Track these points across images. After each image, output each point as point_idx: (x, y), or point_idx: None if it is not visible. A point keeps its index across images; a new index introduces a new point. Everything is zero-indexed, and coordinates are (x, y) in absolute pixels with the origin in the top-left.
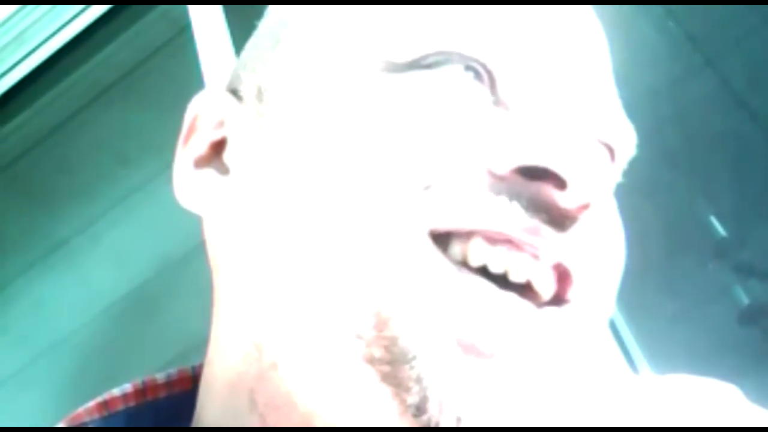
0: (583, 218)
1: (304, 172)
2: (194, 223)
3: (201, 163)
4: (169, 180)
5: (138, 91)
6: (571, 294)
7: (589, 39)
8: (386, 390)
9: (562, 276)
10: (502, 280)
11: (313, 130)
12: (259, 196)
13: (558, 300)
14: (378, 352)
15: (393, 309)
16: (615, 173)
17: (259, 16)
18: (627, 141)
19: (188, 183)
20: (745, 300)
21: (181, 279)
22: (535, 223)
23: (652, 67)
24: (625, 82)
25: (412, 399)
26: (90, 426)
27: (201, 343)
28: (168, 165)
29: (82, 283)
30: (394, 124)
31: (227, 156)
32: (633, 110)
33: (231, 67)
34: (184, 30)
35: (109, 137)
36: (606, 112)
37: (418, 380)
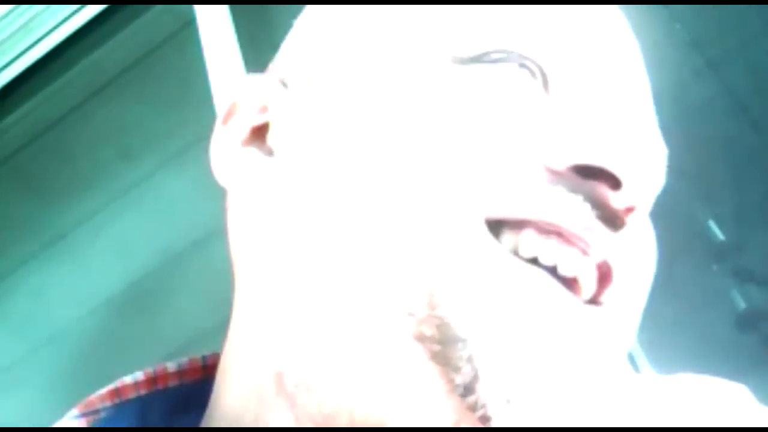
0: (629, 222)
1: (360, 154)
2: (195, 216)
3: (243, 145)
4: (169, 174)
5: (140, 85)
6: (605, 297)
7: (631, 50)
8: (434, 369)
9: (603, 276)
10: (551, 272)
11: (371, 117)
12: (308, 175)
13: (593, 301)
14: (429, 331)
15: (446, 290)
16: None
17: (263, 10)
18: (662, 156)
19: (232, 160)
20: (744, 304)
21: (181, 272)
22: (588, 218)
23: (654, 71)
24: None
25: (461, 379)
26: (102, 414)
27: (201, 336)
28: (169, 159)
29: (82, 276)
30: (456, 113)
31: (271, 139)
32: None
33: (238, 62)
34: (189, 24)
35: (111, 130)
36: (647, 123)
37: (470, 360)
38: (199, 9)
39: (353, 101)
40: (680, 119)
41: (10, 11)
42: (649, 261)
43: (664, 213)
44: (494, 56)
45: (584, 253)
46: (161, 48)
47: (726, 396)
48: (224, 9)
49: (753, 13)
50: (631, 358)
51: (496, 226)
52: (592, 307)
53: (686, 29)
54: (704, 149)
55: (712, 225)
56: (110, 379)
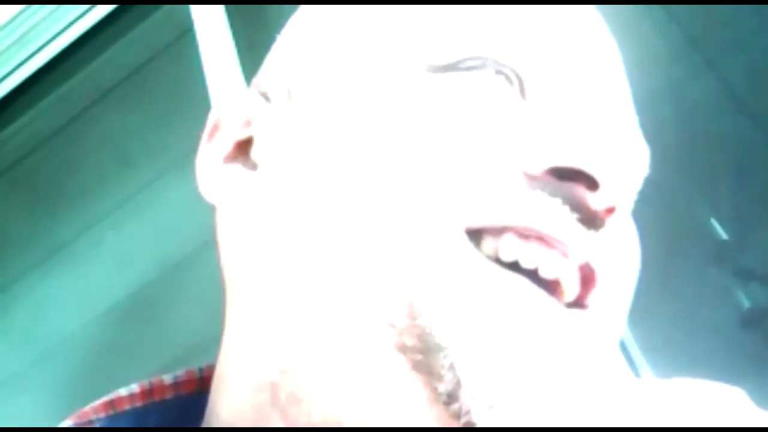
0: (609, 223)
1: (340, 166)
2: (197, 225)
3: (227, 160)
4: (171, 182)
5: (141, 93)
6: (590, 299)
7: (610, 53)
8: (417, 378)
9: (586, 279)
10: (532, 276)
11: (351, 127)
12: (291, 188)
13: (578, 304)
14: (410, 341)
15: (426, 299)
16: (634, 185)
17: (261, 17)
18: (642, 158)
19: (214, 176)
20: (746, 303)
21: (183, 281)
22: (567, 222)
23: (652, 70)
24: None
25: (444, 387)
26: (96, 425)
27: (203, 345)
28: (170, 167)
29: (84, 285)
30: (432, 123)
31: (255, 153)
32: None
33: (236, 70)
34: (187, 32)
35: (112, 139)
36: (625, 126)
37: (451, 368)
38: (196, 16)
39: (332, 114)
40: (679, 118)
41: (9, 22)
42: (632, 261)
43: (665, 212)
44: (469, 63)
45: (565, 255)
46: (160, 57)
47: (723, 400)
48: (222, 16)
49: (751, 11)
50: (630, 359)
51: (477, 234)
52: (576, 311)
53: (684, 28)
54: (704, 147)
55: (714, 224)
56: (112, 388)
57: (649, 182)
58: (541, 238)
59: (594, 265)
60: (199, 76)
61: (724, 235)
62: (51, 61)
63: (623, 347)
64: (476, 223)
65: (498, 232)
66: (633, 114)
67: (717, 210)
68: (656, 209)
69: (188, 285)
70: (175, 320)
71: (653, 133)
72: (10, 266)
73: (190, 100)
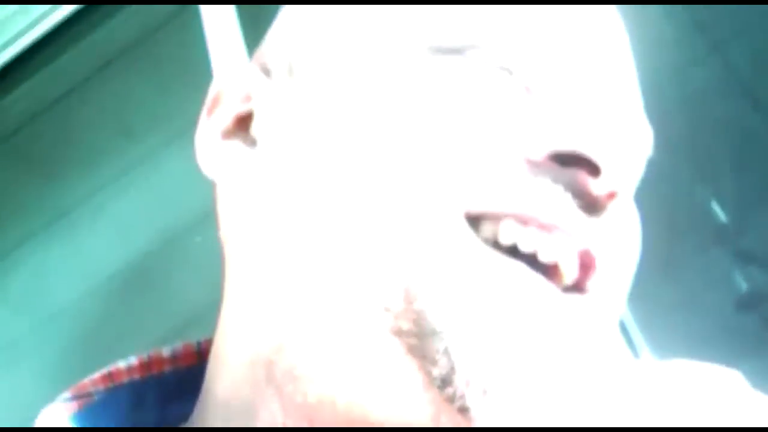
0: (610, 208)
1: (338, 143)
2: (196, 196)
3: (226, 135)
4: (171, 153)
5: (142, 64)
6: (590, 284)
7: (617, 37)
8: (412, 362)
9: (586, 263)
10: (530, 261)
11: (352, 107)
12: (289, 167)
13: (577, 288)
14: (406, 325)
15: (422, 284)
16: (636, 171)
17: None
18: (646, 141)
19: (214, 152)
20: (745, 286)
21: (182, 252)
22: (568, 208)
23: (657, 53)
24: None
25: (438, 371)
26: (95, 397)
27: (201, 316)
28: (171, 138)
29: (83, 254)
30: (433, 106)
31: (255, 129)
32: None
33: (239, 42)
34: (190, 3)
35: (113, 109)
36: (629, 110)
37: (446, 353)
38: None
39: (334, 92)
40: (684, 102)
41: None
42: (633, 246)
43: (666, 195)
44: (472, 50)
45: (564, 240)
46: (163, 27)
47: (720, 382)
48: None
49: None
50: (629, 339)
51: (476, 219)
52: (575, 295)
53: (690, 12)
54: (707, 131)
55: (714, 206)
56: (111, 357)
57: (651, 165)
58: (540, 225)
59: (594, 250)
60: (201, 47)
61: (723, 218)
62: (53, 30)
63: (623, 328)
64: (476, 208)
65: (497, 217)
66: (638, 96)
67: (717, 193)
68: (657, 192)
69: (188, 255)
70: (174, 290)
71: (657, 116)
72: (9, 234)
73: (193, 71)
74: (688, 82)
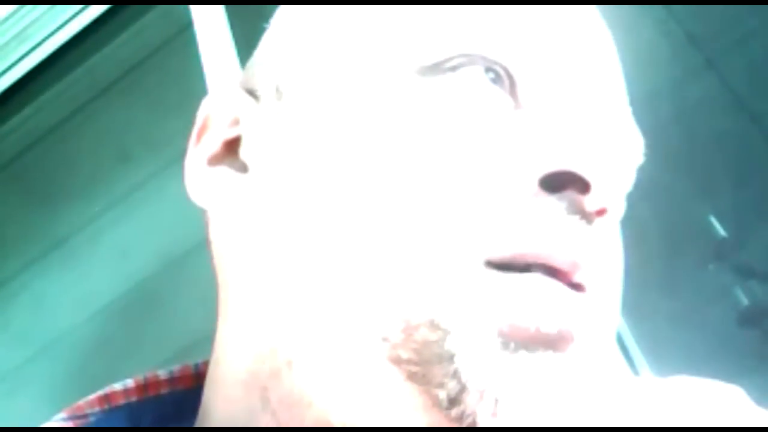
0: (598, 223)
1: (331, 171)
2: (195, 220)
3: (215, 160)
4: (170, 177)
5: (140, 89)
6: (587, 285)
7: (603, 46)
8: (412, 387)
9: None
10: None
11: (340, 130)
12: (281, 194)
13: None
14: (405, 354)
15: (424, 314)
16: (626, 182)
17: (260, 13)
18: (635, 149)
19: (203, 180)
20: (745, 301)
21: (181, 277)
22: (573, 233)
23: (652, 68)
24: (626, 82)
25: (446, 394)
26: (91, 419)
27: (201, 341)
28: (169, 162)
29: (83, 281)
30: (422, 131)
31: (244, 154)
32: (633, 111)
33: (235, 66)
34: (186, 28)
35: (111, 134)
36: (617, 120)
37: (455, 375)
38: (195, 13)
39: (322, 117)
40: (680, 116)
41: (8, 17)
42: (618, 257)
43: (665, 210)
44: (457, 61)
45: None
46: (159, 52)
47: (721, 398)
48: (221, 12)
49: (751, 10)
50: (629, 356)
51: (501, 266)
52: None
53: (684, 26)
54: (704, 146)
55: (713, 221)
56: (111, 383)
57: (649, 180)
58: (563, 269)
59: (593, 258)
60: (198, 72)
61: (723, 233)
62: (49, 57)
63: (622, 344)
64: (497, 255)
65: (525, 269)
66: (626, 103)
67: (716, 207)
68: (656, 207)
69: (187, 281)
70: (174, 316)
71: (653, 131)
72: (8, 262)
73: (190, 96)
74: (684, 96)
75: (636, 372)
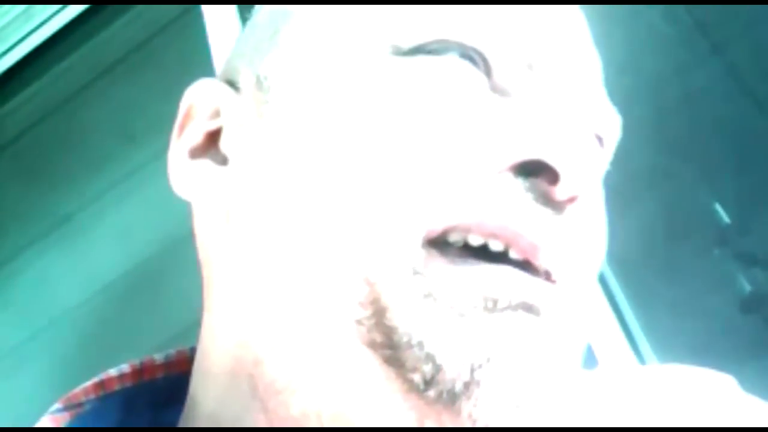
0: (570, 210)
1: (310, 161)
2: None
3: (197, 152)
4: None
5: (145, 69)
6: (556, 276)
7: (577, 28)
8: (389, 371)
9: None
10: (502, 258)
11: (319, 118)
12: (260, 185)
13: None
14: (379, 338)
15: (392, 297)
16: (604, 162)
17: None
18: (614, 127)
19: (185, 172)
20: (748, 287)
21: (184, 257)
22: (535, 216)
23: (658, 54)
24: (632, 68)
25: (420, 377)
26: (86, 407)
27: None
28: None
29: (85, 260)
30: (402, 116)
31: (224, 145)
32: (639, 97)
33: (225, 58)
34: (193, 7)
35: (115, 114)
36: (593, 101)
37: (429, 358)
38: None
39: (302, 105)
40: (685, 103)
41: None
42: (596, 241)
43: (668, 197)
44: (434, 46)
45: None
46: (165, 31)
47: (711, 386)
48: None
49: None
50: (634, 343)
51: (445, 232)
52: (549, 284)
53: (691, 13)
54: (709, 132)
55: (718, 208)
56: (112, 363)
57: (653, 166)
58: (505, 235)
59: (560, 246)
60: (204, 52)
61: (727, 219)
62: (54, 36)
63: (627, 332)
64: (442, 225)
65: (466, 230)
66: (600, 84)
67: (720, 194)
68: (660, 193)
69: (189, 261)
70: (176, 296)
71: (658, 117)
72: (11, 240)
73: (195, 76)
74: (689, 83)
75: (640, 357)
